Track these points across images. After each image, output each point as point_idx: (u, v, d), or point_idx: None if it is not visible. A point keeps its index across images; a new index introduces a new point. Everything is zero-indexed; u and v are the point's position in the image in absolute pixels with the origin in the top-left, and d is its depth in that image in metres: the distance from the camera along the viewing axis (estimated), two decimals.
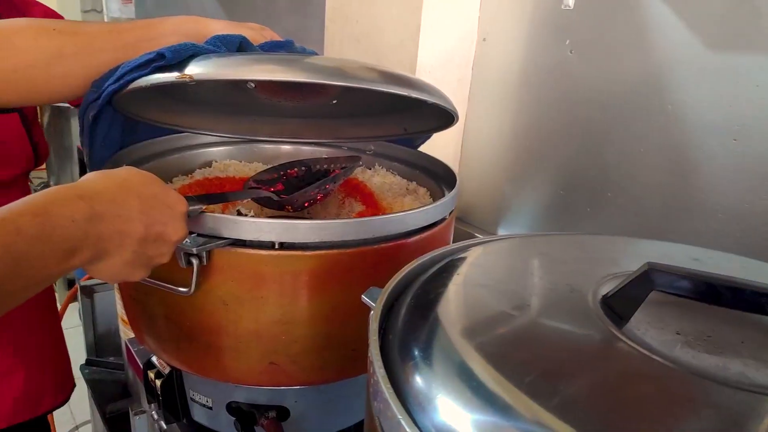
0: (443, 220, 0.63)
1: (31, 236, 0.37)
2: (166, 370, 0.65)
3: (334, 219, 0.55)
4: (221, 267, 0.54)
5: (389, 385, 0.33)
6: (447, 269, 0.44)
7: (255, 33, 0.66)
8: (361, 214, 0.69)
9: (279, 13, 1.65)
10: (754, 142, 0.77)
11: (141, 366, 0.78)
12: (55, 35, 0.60)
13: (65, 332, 1.00)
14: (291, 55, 0.60)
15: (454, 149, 1.17)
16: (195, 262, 0.52)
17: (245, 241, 0.54)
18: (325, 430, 0.67)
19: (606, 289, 0.39)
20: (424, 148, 0.89)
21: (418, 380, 0.34)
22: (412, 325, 0.38)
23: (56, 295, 2.49)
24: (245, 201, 0.68)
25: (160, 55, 0.55)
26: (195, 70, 0.53)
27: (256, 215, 0.64)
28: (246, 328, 0.55)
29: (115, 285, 1.02)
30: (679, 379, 0.32)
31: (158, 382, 0.65)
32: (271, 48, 0.64)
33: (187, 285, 0.54)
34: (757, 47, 0.75)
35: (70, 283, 2.44)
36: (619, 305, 0.37)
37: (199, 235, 0.53)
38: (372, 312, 0.40)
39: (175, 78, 0.53)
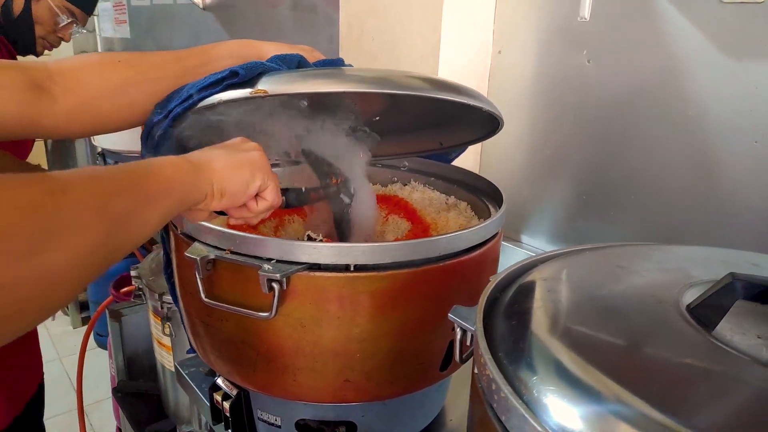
0: (496, 234, 0.66)
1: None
2: (234, 392, 0.67)
3: (401, 240, 0.57)
4: (299, 291, 0.56)
5: (509, 387, 0.35)
6: (532, 285, 0.47)
7: (307, 53, 0.69)
8: (413, 232, 0.71)
9: (285, 31, 1.67)
10: None
11: (196, 389, 0.80)
12: (120, 67, 0.62)
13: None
14: (355, 68, 0.62)
15: (474, 158, 1.20)
16: (276, 287, 0.54)
17: (320, 264, 0.56)
18: None
19: (688, 298, 0.42)
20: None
21: (531, 387, 0.36)
22: (515, 339, 0.41)
23: (69, 317, 2.48)
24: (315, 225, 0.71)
25: (233, 73, 0.57)
26: (269, 85, 0.55)
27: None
28: (323, 347, 0.58)
29: (153, 315, 1.03)
30: None
31: (226, 404, 0.67)
32: (324, 65, 0.66)
33: (266, 310, 0.56)
34: None
35: (83, 306, 2.42)
36: (706, 314, 0.40)
37: (277, 261, 0.55)
38: (476, 325, 0.42)
39: (249, 93, 0.55)
